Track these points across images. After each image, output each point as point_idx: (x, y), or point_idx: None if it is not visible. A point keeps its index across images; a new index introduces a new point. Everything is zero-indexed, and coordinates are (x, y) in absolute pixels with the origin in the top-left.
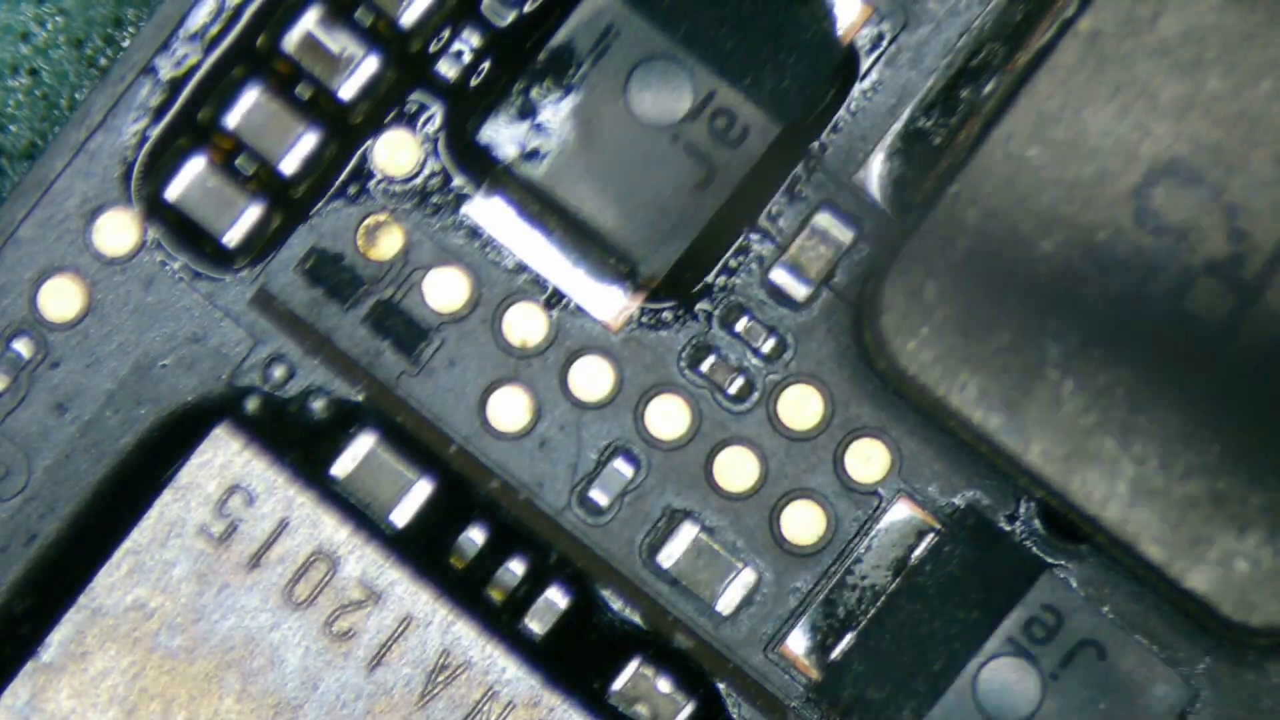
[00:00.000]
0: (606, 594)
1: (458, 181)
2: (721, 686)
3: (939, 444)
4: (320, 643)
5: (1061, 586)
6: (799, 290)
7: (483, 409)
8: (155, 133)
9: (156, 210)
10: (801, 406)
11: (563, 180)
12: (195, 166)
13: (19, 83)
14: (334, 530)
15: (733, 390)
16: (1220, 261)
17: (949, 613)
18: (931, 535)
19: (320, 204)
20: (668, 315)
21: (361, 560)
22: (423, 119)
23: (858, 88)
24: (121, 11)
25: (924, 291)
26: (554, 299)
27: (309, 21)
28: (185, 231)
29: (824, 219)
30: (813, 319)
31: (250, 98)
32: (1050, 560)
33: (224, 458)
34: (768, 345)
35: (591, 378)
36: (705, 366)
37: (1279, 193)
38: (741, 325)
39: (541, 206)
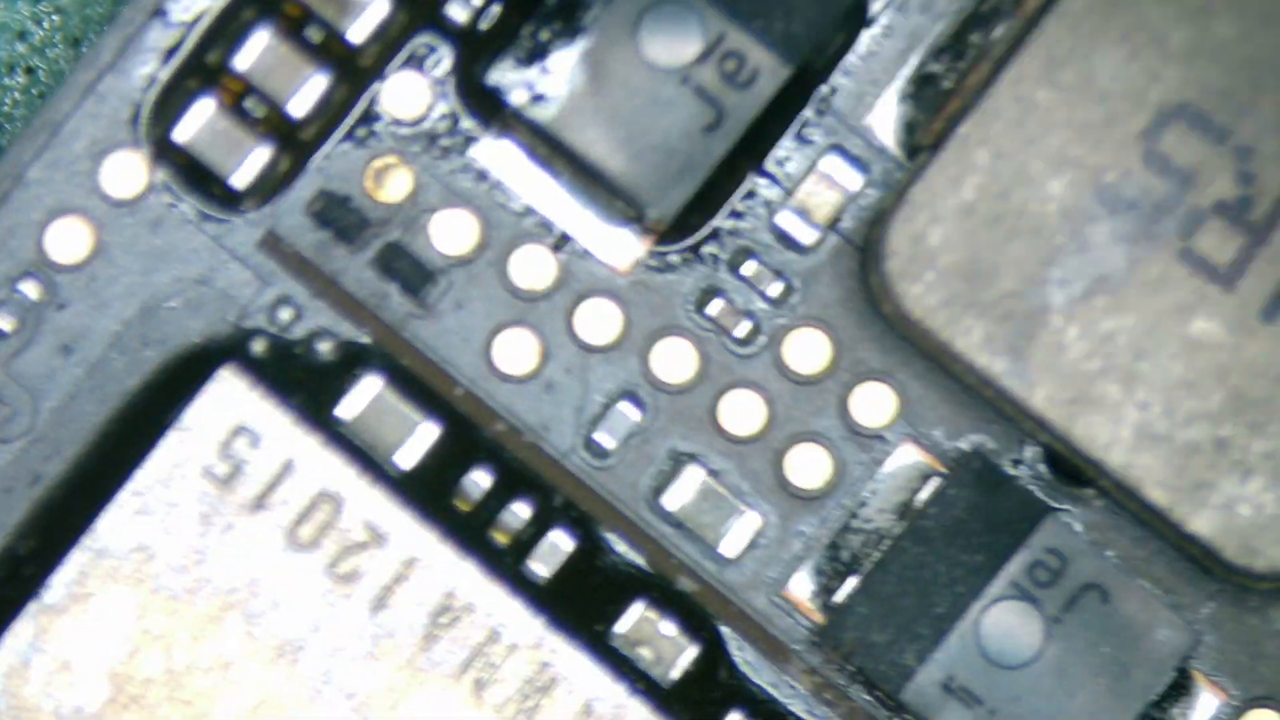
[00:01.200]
0: (611, 537)
1: (466, 124)
2: (725, 629)
3: (944, 388)
4: (324, 584)
5: (1065, 530)
6: (806, 234)
7: (489, 352)
8: (164, 75)
9: (165, 152)
10: (807, 350)
11: (571, 123)
12: (204, 109)
13: (15, 81)
14: (339, 472)
15: (739, 334)
16: (1229, 204)
17: (953, 556)
18: (936, 479)
19: (329, 146)
20: (675, 259)
21: (366, 502)
22: (432, 61)
23: (868, 32)
24: (119, 10)
25: (929, 236)
26: (561, 242)
27: None
28: (193, 173)
29: (831, 163)
30: (819, 263)
31: (260, 40)
32: (1054, 504)
33: (230, 399)
34: (774, 289)
35: (598, 321)
36: (712, 310)
37: None
38: (748, 269)
39: (550, 149)
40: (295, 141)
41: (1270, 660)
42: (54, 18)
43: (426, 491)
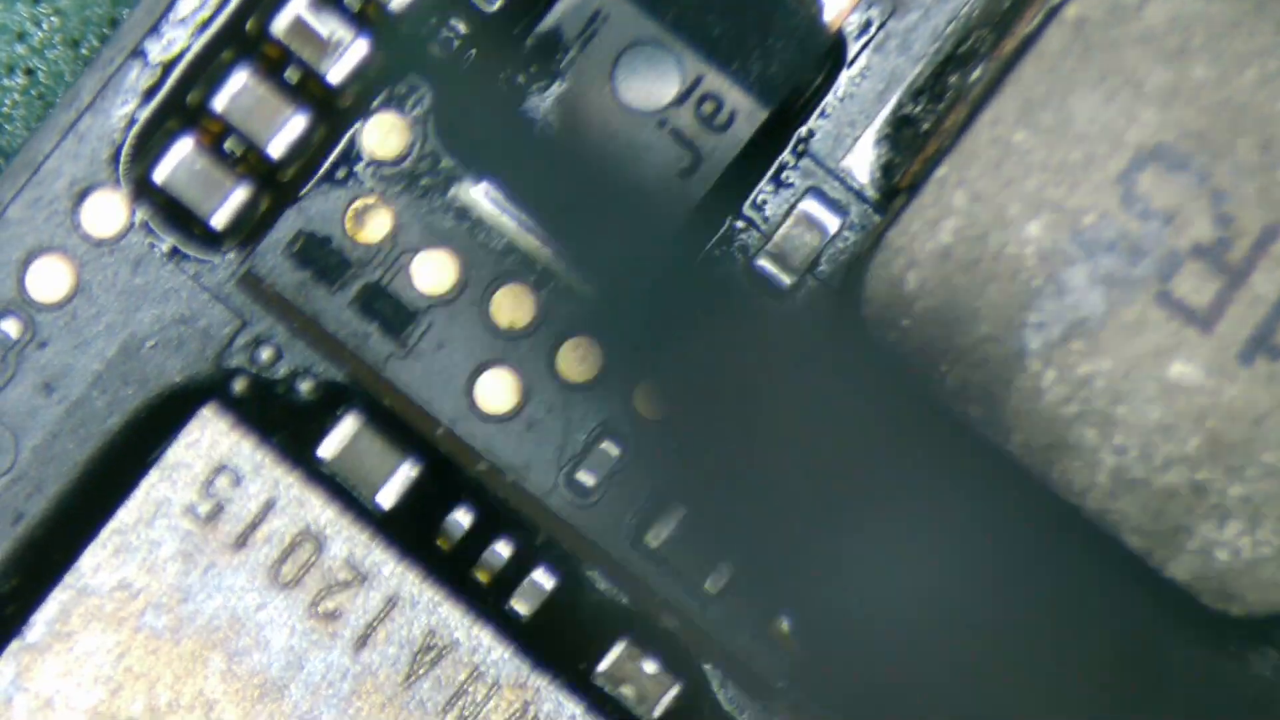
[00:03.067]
0: (593, 575)
1: (446, 164)
2: (708, 667)
3: None
4: (306, 623)
5: None
6: (784, 279)
7: (470, 391)
8: (144, 115)
9: (145, 192)
10: None
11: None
12: (184, 148)
13: (15, 83)
14: (320, 511)
15: None
16: (1206, 246)
17: None
18: None
19: (309, 186)
20: None
21: (348, 541)
22: (411, 101)
23: (845, 74)
24: (117, 12)
25: (906, 280)
26: (542, 280)
27: (298, 5)
28: (173, 213)
29: (810, 206)
30: (796, 308)
31: (239, 81)
32: None
33: (211, 438)
34: None
35: (580, 359)
36: None
37: (1264, 179)
38: None
39: None
40: (275, 182)
41: (1248, 705)
42: (53, 19)
43: (408, 530)
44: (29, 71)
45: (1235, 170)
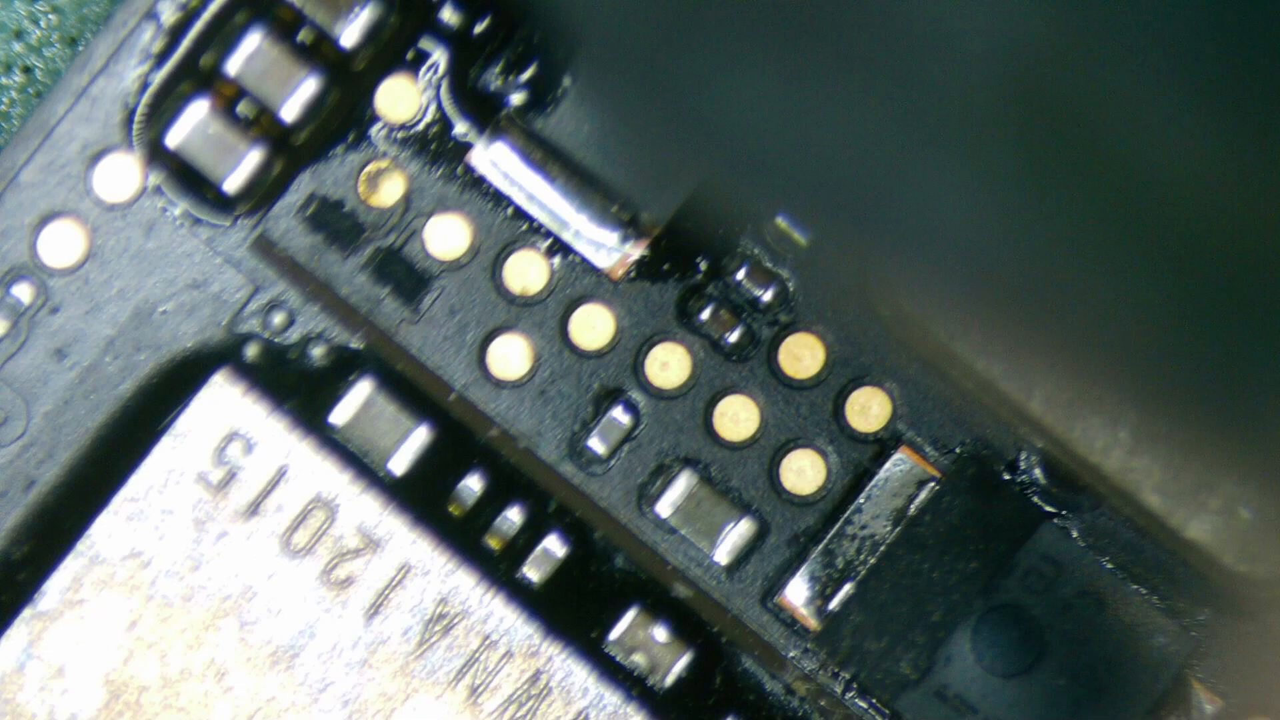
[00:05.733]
0: (605, 543)
1: (460, 128)
2: (719, 636)
3: (939, 393)
4: (318, 591)
5: (1061, 537)
6: (801, 237)
7: (482, 357)
8: (157, 78)
9: (158, 156)
10: (801, 354)
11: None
12: (197, 112)
13: (13, 81)
14: (332, 478)
15: (733, 338)
16: None
17: (948, 563)
18: (931, 484)
19: (322, 150)
20: (668, 263)
21: (360, 508)
22: (425, 65)
23: None
24: (113, 10)
25: None
26: (555, 247)
27: None
28: (186, 177)
29: None
30: (816, 265)
31: (252, 43)
32: (1051, 511)
33: (223, 405)
34: (768, 293)
35: (591, 326)
36: (705, 314)
37: None
38: (742, 273)
39: (543, 154)
40: (288, 146)
41: (1267, 667)
42: (51, 17)
43: (420, 497)
44: (27, 69)
45: None
